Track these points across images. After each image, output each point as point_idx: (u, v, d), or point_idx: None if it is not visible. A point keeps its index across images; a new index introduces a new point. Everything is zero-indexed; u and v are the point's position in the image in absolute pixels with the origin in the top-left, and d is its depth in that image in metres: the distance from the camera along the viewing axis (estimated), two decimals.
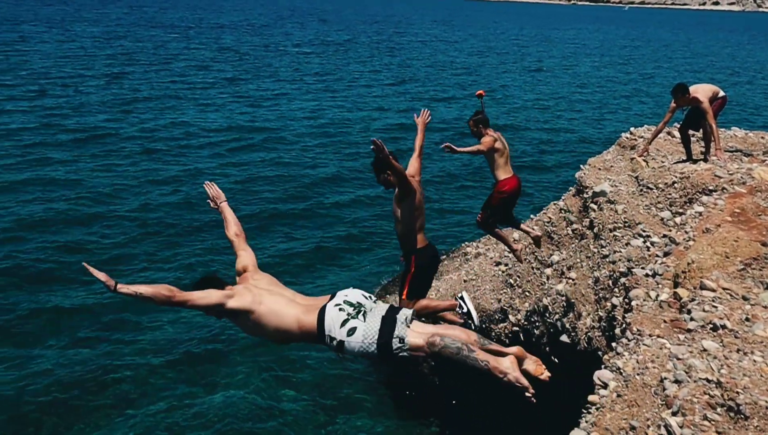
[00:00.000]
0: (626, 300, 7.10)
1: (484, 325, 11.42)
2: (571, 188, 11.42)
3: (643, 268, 7.43)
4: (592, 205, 9.93)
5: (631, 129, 13.16)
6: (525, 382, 4.41)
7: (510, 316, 10.93)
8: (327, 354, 14.22)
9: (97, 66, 45.63)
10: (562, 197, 11.55)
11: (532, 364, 4.53)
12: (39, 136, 28.09)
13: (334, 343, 4.68)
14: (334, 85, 44.83)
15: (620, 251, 8.23)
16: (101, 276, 4.32)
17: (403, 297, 7.36)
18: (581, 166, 11.60)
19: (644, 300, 6.68)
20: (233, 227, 5.57)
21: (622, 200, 9.37)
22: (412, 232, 7.17)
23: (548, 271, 10.52)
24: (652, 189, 9.46)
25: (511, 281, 11.40)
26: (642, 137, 12.51)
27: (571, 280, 9.44)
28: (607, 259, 8.52)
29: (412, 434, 12.28)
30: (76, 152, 26.23)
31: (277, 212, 21.75)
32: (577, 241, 10.27)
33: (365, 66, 55.04)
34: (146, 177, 24.16)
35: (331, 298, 4.85)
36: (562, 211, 11.05)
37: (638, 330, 6.08)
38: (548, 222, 11.26)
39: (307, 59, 56.73)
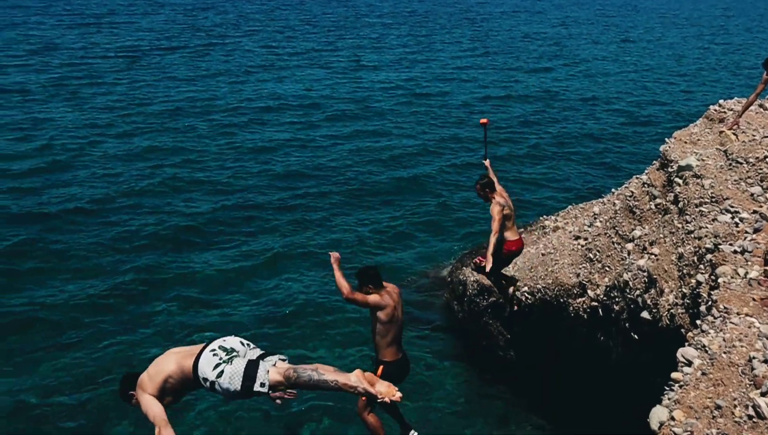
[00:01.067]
0: (712, 277, 6.87)
1: (561, 300, 11.28)
2: (655, 162, 11.09)
3: (731, 244, 7.17)
4: (677, 180, 9.61)
5: (720, 101, 12.65)
6: (373, 390, 5.03)
7: (589, 291, 10.73)
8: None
9: (182, 38, 46.56)
10: (646, 171, 11.22)
11: (384, 387, 5.08)
12: (128, 108, 28.96)
13: (207, 383, 5.31)
14: (417, 57, 44.51)
15: (706, 227, 7.95)
16: None
17: (363, 398, 7.67)
18: (666, 139, 11.23)
19: (732, 277, 6.46)
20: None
21: (709, 175, 9.04)
22: (381, 343, 7.66)
23: (629, 245, 10.27)
24: (741, 163, 9.08)
25: (591, 256, 11.18)
26: (731, 110, 12.02)
27: (653, 256, 9.18)
28: (693, 235, 8.25)
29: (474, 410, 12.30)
30: (163, 124, 26.94)
31: (362, 184, 21.92)
32: (660, 216, 9.97)
33: (448, 37, 54.44)
34: (230, 147, 24.67)
35: (206, 345, 5.52)
36: (645, 186, 10.74)
37: (725, 308, 5.89)
38: (630, 196, 10.97)
39: (390, 30, 56.47)
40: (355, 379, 5.06)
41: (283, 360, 5.36)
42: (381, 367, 7.66)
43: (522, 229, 16.06)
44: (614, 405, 10.40)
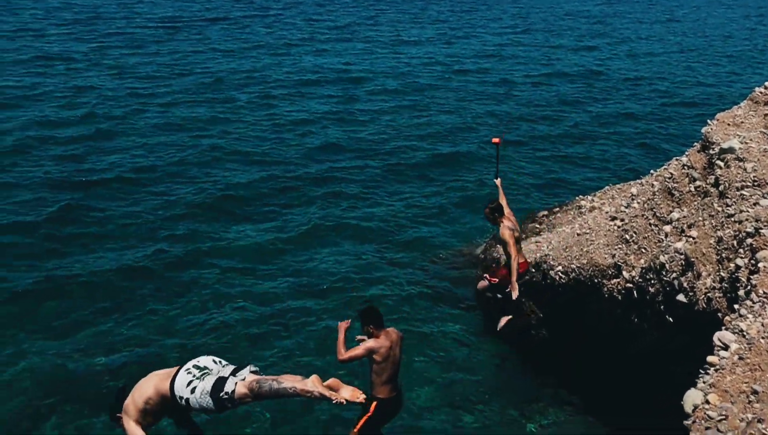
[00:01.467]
0: (752, 261, 6.79)
1: (595, 280, 11.21)
2: (696, 144, 10.90)
3: None
4: (719, 162, 9.45)
5: (766, 83, 12.36)
6: (328, 393, 5.39)
7: (624, 272, 10.65)
8: (421, 315, 14.39)
9: (223, 9, 46.74)
10: (686, 153, 11.05)
11: (349, 391, 5.51)
12: (169, 78, 29.27)
13: (183, 401, 5.75)
14: (457, 33, 44.16)
15: (747, 211, 7.84)
16: None
17: (355, 430, 8.33)
18: (709, 121, 11.04)
19: None
20: None
21: (752, 158, 8.88)
22: (377, 381, 8.18)
23: (667, 228, 10.15)
24: None
25: (627, 237, 11.08)
26: None
27: (691, 239, 9.08)
28: (733, 219, 8.14)
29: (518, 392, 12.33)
30: (203, 95, 27.17)
31: (399, 159, 21.95)
32: (699, 198, 9.84)
33: (489, 13, 53.84)
34: (269, 119, 24.82)
35: (182, 366, 5.95)
36: (686, 168, 10.59)
37: (764, 293, 5.83)
38: (669, 178, 10.82)
39: (430, 5, 56.05)
40: (311, 384, 5.43)
41: (254, 371, 5.76)
42: (375, 404, 8.18)
43: (557, 209, 15.99)
44: (638, 392, 10.44)
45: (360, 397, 5.51)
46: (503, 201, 11.06)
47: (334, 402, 5.44)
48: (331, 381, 5.59)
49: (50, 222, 16.65)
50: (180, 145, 21.88)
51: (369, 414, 8.21)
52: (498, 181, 11.60)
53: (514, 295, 10.45)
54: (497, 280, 11.00)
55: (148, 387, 5.99)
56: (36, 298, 13.87)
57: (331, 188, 19.32)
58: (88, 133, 22.28)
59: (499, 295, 11.28)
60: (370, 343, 7.98)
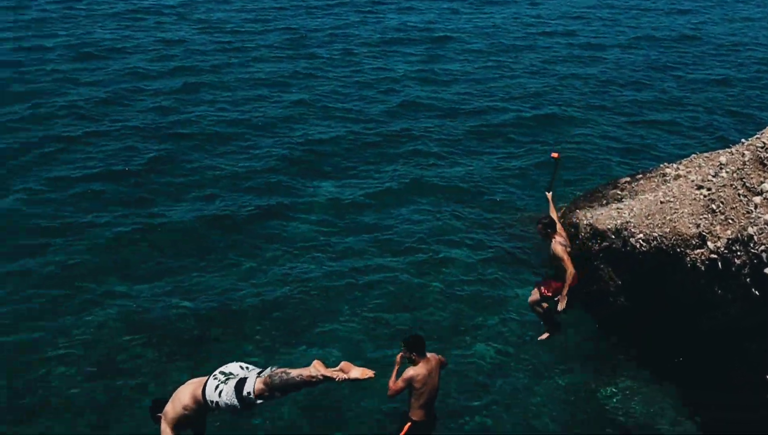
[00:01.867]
0: None
1: (678, 250, 11.01)
2: None
3: None
4: None
5: None
6: (330, 374, 6.07)
7: (709, 243, 10.42)
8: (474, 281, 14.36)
9: None
10: None
11: (359, 371, 6.10)
12: (255, 32, 29.69)
13: (213, 404, 6.50)
14: None
15: None
16: None
17: None
18: None
19: None
20: None
21: None
22: (414, 404, 8.62)
23: (757, 199, 9.87)
24: None
25: (713, 207, 10.81)
26: None
27: None
28: None
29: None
30: (286, 51, 27.41)
31: (482, 120, 21.67)
32: None
33: None
34: (352, 77, 24.88)
35: (210, 375, 6.65)
36: None
37: None
38: (762, 147, 10.47)
39: None
40: (314, 369, 6.11)
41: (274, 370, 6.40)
42: (408, 425, 8.67)
43: (641, 175, 15.67)
44: (712, 367, 10.32)
45: (369, 373, 6.08)
46: (554, 214, 11.24)
47: (337, 380, 6.11)
48: (343, 364, 6.17)
49: (139, 172, 17.28)
50: (264, 99, 22.25)
51: (402, 434, 8.71)
52: (549, 195, 11.73)
53: (561, 306, 10.67)
54: (551, 293, 11.10)
55: (186, 395, 6.70)
56: (125, 243, 14.51)
57: (412, 147, 19.36)
58: (176, 86, 22.86)
59: (546, 305, 11.38)
60: (410, 372, 8.42)
